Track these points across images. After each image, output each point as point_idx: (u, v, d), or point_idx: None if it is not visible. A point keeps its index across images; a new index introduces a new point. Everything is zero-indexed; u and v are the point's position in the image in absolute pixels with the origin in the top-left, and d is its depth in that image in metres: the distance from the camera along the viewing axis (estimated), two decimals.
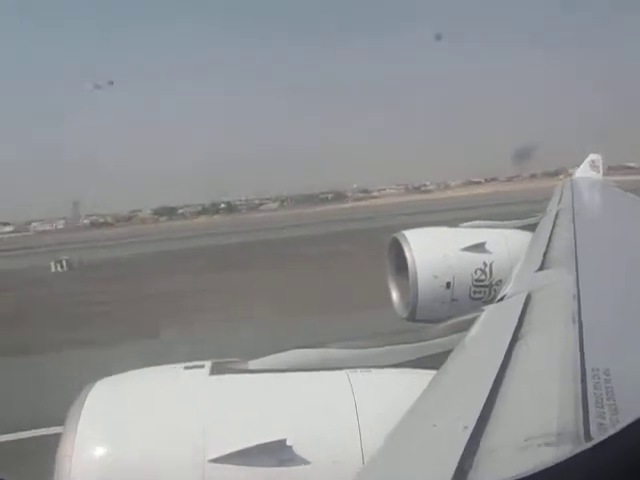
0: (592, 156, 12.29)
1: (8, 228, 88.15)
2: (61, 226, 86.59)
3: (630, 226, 5.78)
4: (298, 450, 2.21)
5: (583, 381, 1.67)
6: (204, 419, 2.40)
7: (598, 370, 1.73)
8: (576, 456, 0.99)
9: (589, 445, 1.06)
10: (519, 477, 0.96)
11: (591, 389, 1.62)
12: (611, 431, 1.01)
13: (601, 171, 12.03)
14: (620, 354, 1.96)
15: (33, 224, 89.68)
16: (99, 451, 2.31)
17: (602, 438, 1.01)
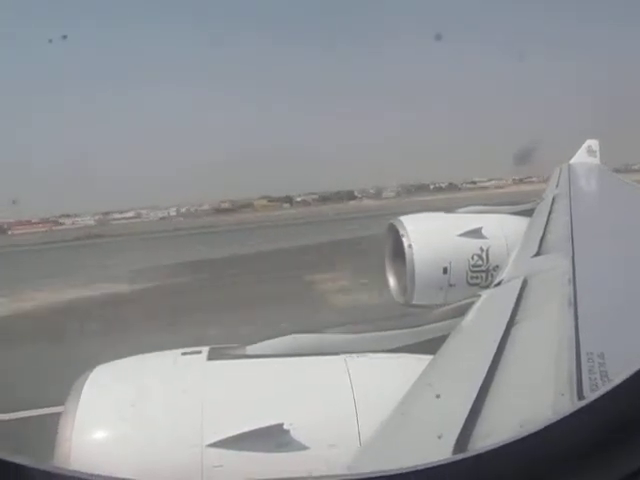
0: (589, 141, 12.27)
1: (130, 213, 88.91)
2: (173, 213, 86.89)
3: (626, 211, 5.79)
4: (295, 434, 2.23)
5: (578, 365, 1.69)
6: (202, 404, 2.41)
7: (593, 354, 1.74)
8: (570, 416, 1.01)
9: (582, 404, 1.08)
10: (515, 439, 0.98)
11: (586, 373, 1.63)
12: (602, 391, 1.03)
13: (598, 156, 12.03)
14: (615, 338, 1.98)
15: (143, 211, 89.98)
16: (98, 435, 2.33)
17: (594, 397, 1.03)
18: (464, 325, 2.51)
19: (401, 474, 0.93)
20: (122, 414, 2.42)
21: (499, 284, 3.00)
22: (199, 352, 2.73)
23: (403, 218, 6.84)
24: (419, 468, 0.93)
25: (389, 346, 2.79)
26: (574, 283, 2.48)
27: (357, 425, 2.29)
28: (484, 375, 1.76)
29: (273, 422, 2.23)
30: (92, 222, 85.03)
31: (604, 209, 6.48)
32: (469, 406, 1.58)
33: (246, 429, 2.21)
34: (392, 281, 7.06)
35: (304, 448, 2.22)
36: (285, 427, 2.23)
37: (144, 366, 2.84)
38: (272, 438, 2.22)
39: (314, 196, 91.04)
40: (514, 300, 2.43)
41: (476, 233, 6.45)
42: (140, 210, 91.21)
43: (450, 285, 6.30)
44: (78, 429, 2.29)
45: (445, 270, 6.32)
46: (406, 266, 6.43)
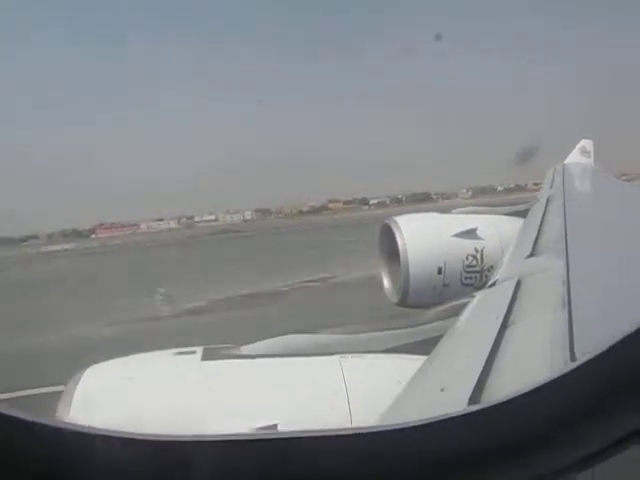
0: (583, 142, 12.29)
1: (212, 217, 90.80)
2: (248, 216, 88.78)
3: (620, 211, 5.81)
4: None
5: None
6: (196, 405, 2.41)
7: (587, 354, 1.75)
8: (564, 375, 1.02)
9: (575, 365, 1.10)
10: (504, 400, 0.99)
11: None
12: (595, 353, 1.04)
13: (592, 157, 12.06)
14: (609, 339, 1.98)
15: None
16: None
17: (586, 359, 1.05)
18: (458, 325, 2.51)
19: (402, 429, 0.94)
20: (115, 414, 2.42)
21: (493, 285, 3.01)
22: (193, 352, 2.73)
23: (398, 218, 6.85)
24: (417, 424, 0.94)
25: (383, 346, 2.80)
26: (568, 284, 2.49)
27: (351, 425, 2.30)
28: (478, 375, 1.76)
29: (268, 422, 2.24)
30: (175, 225, 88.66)
31: (598, 209, 6.50)
32: (463, 407, 1.58)
33: (241, 429, 2.21)
34: (386, 281, 7.07)
35: None
36: (280, 427, 2.23)
37: (137, 366, 2.84)
38: None
39: (386, 198, 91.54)
40: (508, 301, 2.44)
41: (471, 234, 6.47)
42: (218, 214, 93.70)
43: (444, 285, 6.32)
44: None
45: (440, 270, 6.34)
46: (400, 266, 6.44)
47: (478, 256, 6.34)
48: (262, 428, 2.23)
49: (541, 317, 2.25)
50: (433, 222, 7.07)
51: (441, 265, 6.34)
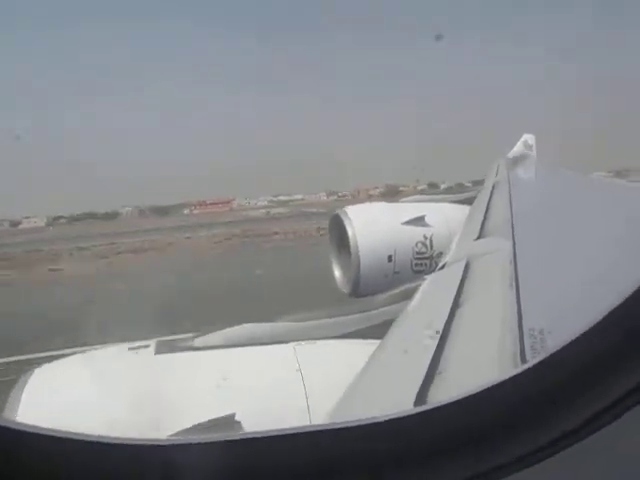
0: (526, 136, 12.65)
1: (299, 196, 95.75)
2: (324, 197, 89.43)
3: (563, 195, 5.97)
4: (247, 424, 2.22)
5: (521, 341, 1.73)
6: (152, 398, 2.38)
7: (534, 330, 1.79)
8: (517, 375, 1.05)
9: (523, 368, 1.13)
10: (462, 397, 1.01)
11: (528, 348, 1.68)
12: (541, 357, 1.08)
13: (534, 150, 12.41)
14: (554, 315, 2.04)
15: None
16: None
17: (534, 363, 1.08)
18: (410, 308, 2.54)
19: (360, 425, 0.95)
20: (67, 413, 2.36)
21: (443, 267, 3.05)
22: (147, 346, 2.70)
23: (347, 208, 6.89)
24: (365, 422, 0.95)
25: (338, 332, 2.82)
26: (515, 264, 2.54)
27: (308, 411, 2.31)
28: (432, 354, 1.79)
29: (224, 413, 2.23)
30: (265, 202, 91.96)
31: (542, 194, 6.66)
32: (417, 386, 1.61)
33: (199, 421, 2.19)
34: (337, 272, 7.10)
35: None
36: (237, 417, 2.23)
37: (90, 363, 2.78)
38: (225, 428, 2.21)
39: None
40: (458, 282, 2.48)
41: (419, 221, 6.55)
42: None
43: (395, 273, 6.39)
44: None
45: (390, 258, 6.40)
46: (351, 256, 6.48)
47: (427, 243, 6.42)
48: (219, 419, 2.21)
49: (490, 296, 2.30)
50: (382, 211, 7.13)
51: (391, 253, 6.40)
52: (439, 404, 1.05)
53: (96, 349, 2.94)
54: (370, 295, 6.22)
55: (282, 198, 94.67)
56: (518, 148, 12.41)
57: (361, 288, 6.44)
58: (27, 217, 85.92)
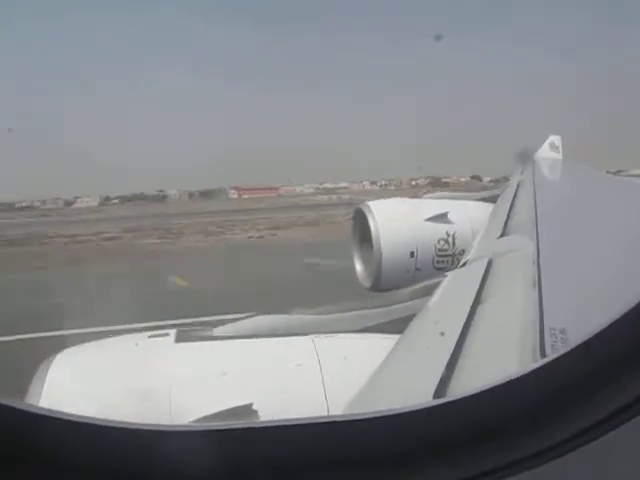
0: (552, 137, 12.53)
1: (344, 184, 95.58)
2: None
3: (589, 196, 5.90)
4: (264, 414, 2.23)
5: (542, 339, 1.72)
6: (171, 386, 2.40)
7: (555, 329, 1.78)
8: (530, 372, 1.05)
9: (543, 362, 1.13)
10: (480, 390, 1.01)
11: (549, 346, 1.67)
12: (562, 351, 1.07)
13: (561, 152, 12.30)
14: (576, 315, 2.02)
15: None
16: None
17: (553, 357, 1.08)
18: (431, 304, 2.54)
19: (375, 418, 0.96)
20: (89, 398, 2.39)
21: (465, 264, 3.04)
22: (167, 334, 2.72)
23: (370, 203, 6.88)
24: (390, 413, 0.95)
25: (357, 326, 2.82)
26: (538, 263, 2.53)
27: (326, 404, 2.31)
28: (451, 351, 1.78)
29: (242, 402, 2.24)
30: (311, 190, 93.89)
31: (567, 193, 6.59)
32: (436, 382, 1.60)
33: (215, 410, 2.21)
34: (359, 266, 7.09)
35: None
36: (254, 407, 2.24)
37: (111, 350, 2.82)
38: (241, 418, 2.22)
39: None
40: (479, 280, 2.46)
41: (442, 218, 6.52)
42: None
43: (417, 269, 6.37)
44: None
45: (412, 254, 6.38)
46: (373, 251, 6.47)
47: (450, 240, 6.39)
48: (237, 408, 2.23)
49: (512, 295, 2.28)
50: (405, 207, 7.10)
51: (413, 249, 6.38)
52: (457, 397, 1.05)
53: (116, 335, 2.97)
54: (391, 290, 6.22)
55: (327, 186, 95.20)
56: (544, 149, 12.30)
57: (382, 283, 6.42)
58: (77, 197, 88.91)
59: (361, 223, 6.85)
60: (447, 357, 1.73)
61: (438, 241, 6.40)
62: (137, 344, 2.76)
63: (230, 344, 2.69)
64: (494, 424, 0.97)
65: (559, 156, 12.21)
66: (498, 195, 6.91)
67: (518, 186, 6.67)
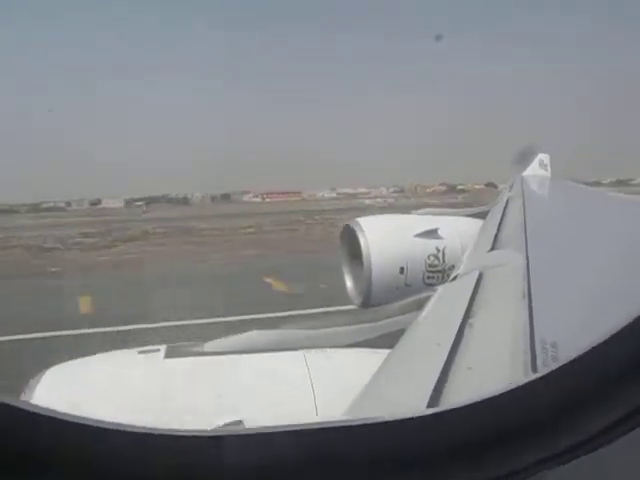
0: (541, 155, 12.71)
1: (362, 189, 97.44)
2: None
3: (576, 210, 5.95)
4: None
5: (532, 353, 1.72)
6: (161, 402, 2.39)
7: (546, 343, 1.78)
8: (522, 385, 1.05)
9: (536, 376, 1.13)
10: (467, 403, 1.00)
11: (540, 360, 1.67)
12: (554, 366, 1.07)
13: (549, 170, 12.45)
14: (566, 328, 2.03)
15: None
16: None
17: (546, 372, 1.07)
18: (421, 319, 2.53)
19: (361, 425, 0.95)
20: (77, 414, 2.36)
21: (455, 278, 3.04)
22: (157, 350, 2.70)
23: (360, 219, 6.89)
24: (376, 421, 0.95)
25: (348, 341, 2.81)
26: (528, 276, 2.54)
27: (317, 419, 2.30)
28: (442, 364, 1.78)
29: (233, 418, 2.22)
30: (334, 195, 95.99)
31: (557, 209, 6.64)
32: (428, 395, 1.60)
33: (206, 427, 2.19)
34: (349, 283, 7.09)
35: None
36: (245, 424, 2.22)
37: (100, 366, 2.79)
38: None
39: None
40: (470, 293, 2.47)
41: (432, 234, 6.53)
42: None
43: (406, 285, 6.37)
44: None
45: (402, 270, 6.38)
46: (363, 267, 6.47)
47: (440, 255, 6.40)
48: (227, 424, 2.21)
49: (502, 309, 2.29)
50: (395, 223, 7.12)
51: (403, 265, 6.39)
52: (447, 408, 1.05)
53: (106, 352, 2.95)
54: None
55: (347, 191, 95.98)
56: (533, 167, 12.44)
57: (372, 300, 6.42)
58: (99, 198, 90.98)
59: (350, 240, 6.86)
60: (438, 371, 1.73)
61: (428, 257, 6.41)
62: (126, 360, 2.74)
63: (220, 360, 2.68)
64: (484, 436, 0.97)
65: (547, 174, 12.35)
66: (487, 211, 6.94)
67: (507, 202, 6.71)
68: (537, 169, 12.38)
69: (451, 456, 0.94)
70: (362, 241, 6.54)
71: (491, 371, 1.74)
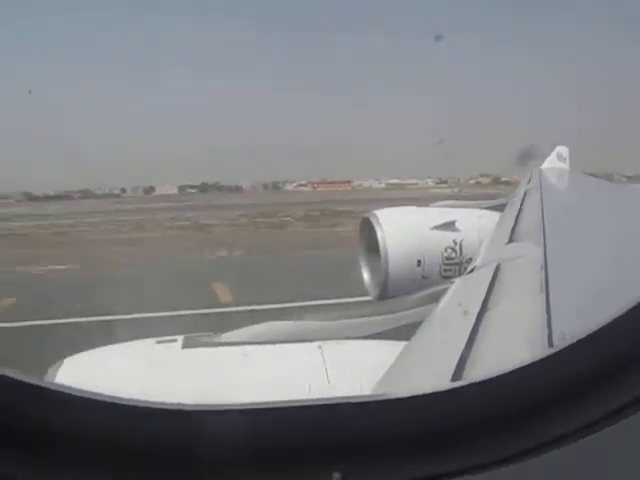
0: (559, 148, 12.56)
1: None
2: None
3: (594, 203, 5.89)
4: None
5: (550, 344, 1.71)
6: (178, 392, 2.40)
7: (564, 333, 1.77)
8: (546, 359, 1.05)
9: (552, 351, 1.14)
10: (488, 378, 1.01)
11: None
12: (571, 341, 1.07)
13: (567, 163, 12.32)
14: (584, 319, 2.01)
15: None
16: None
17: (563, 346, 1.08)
18: (438, 311, 2.53)
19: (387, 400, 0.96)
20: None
21: (472, 271, 3.03)
22: (174, 340, 2.72)
23: (377, 212, 6.88)
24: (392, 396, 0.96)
25: (364, 333, 2.81)
26: (546, 269, 2.52)
27: None
28: (458, 356, 1.78)
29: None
30: (382, 185, 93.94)
31: (574, 202, 6.58)
32: (445, 383, 1.60)
33: None
34: (366, 276, 7.08)
35: None
36: None
37: (118, 355, 2.82)
38: None
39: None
40: (487, 285, 2.46)
41: (450, 226, 6.51)
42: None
43: (423, 277, 6.35)
44: None
45: (419, 263, 6.36)
46: (380, 260, 6.46)
47: (457, 248, 6.38)
48: None
49: (520, 300, 2.27)
50: (412, 215, 7.10)
51: (420, 258, 6.37)
52: (463, 384, 1.05)
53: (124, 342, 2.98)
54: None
55: (397, 182, 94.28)
56: (551, 160, 12.31)
57: (389, 292, 6.41)
58: (152, 186, 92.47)
59: (368, 232, 6.85)
60: (454, 364, 1.73)
61: (445, 249, 6.38)
62: (144, 350, 2.76)
63: (237, 350, 2.69)
64: (495, 415, 0.97)
65: (566, 166, 12.23)
66: (505, 204, 6.89)
67: (525, 195, 6.65)
68: (555, 162, 12.25)
69: (469, 432, 0.95)
70: (379, 234, 6.53)
71: (508, 364, 1.73)
